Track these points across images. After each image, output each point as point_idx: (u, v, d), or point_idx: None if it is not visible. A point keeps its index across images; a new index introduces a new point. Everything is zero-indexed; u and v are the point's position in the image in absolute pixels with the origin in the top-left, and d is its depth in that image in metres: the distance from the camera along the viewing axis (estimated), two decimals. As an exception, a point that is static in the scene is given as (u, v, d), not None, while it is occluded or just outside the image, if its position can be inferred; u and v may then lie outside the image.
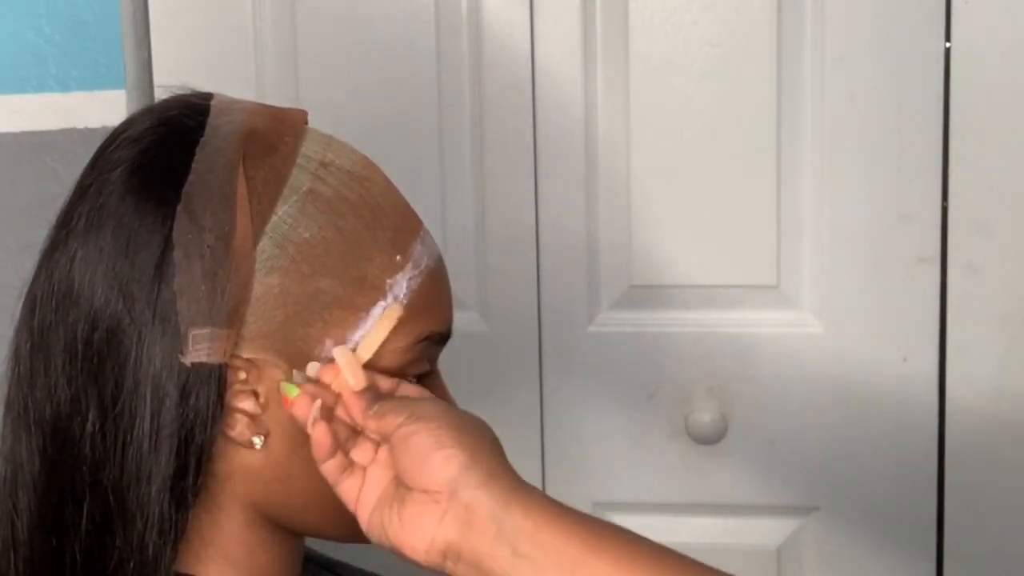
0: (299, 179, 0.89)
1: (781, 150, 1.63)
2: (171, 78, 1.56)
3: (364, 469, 0.89)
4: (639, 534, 0.88)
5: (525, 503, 0.84)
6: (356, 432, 0.89)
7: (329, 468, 0.88)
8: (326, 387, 0.88)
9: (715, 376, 1.68)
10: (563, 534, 0.83)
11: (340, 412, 0.89)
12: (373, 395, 0.88)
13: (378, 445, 0.88)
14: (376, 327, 0.88)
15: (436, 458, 0.84)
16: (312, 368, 0.88)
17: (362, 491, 0.88)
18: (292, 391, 0.87)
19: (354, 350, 0.89)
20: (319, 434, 0.86)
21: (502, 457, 0.87)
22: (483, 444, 0.86)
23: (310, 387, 0.87)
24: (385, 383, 0.90)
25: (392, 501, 0.86)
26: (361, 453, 0.89)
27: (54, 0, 1.68)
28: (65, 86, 1.68)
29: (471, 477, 0.84)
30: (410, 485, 0.85)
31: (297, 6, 1.69)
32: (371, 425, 0.87)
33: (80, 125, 1.63)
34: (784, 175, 1.64)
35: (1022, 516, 1.63)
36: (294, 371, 0.88)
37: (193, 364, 0.84)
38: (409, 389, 0.91)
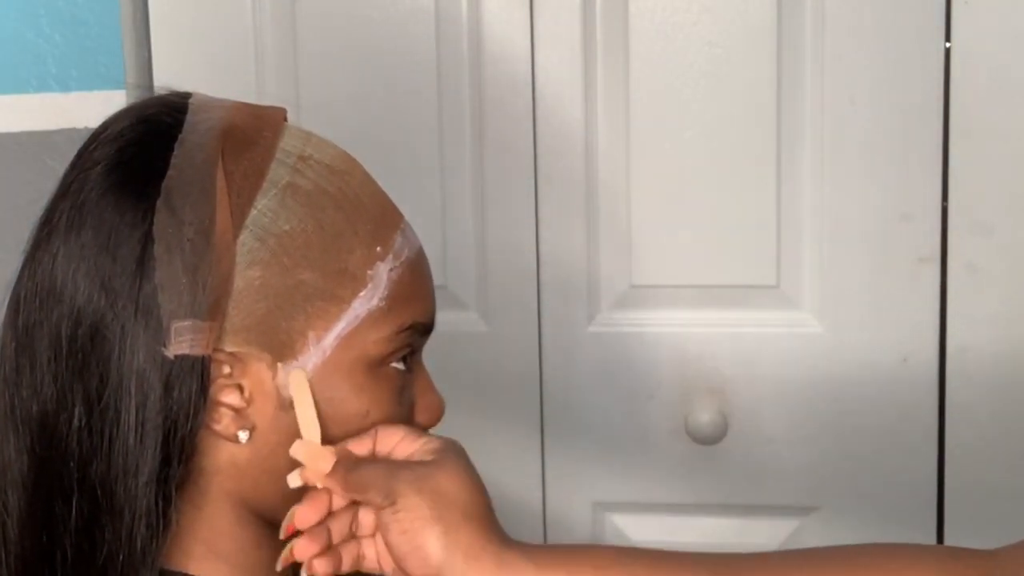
0: (278, 173, 0.89)
1: (781, 150, 1.63)
2: (171, 78, 1.56)
3: (374, 535, 0.91)
4: (627, 552, 0.89)
5: None
6: (354, 507, 0.91)
7: (347, 566, 0.90)
8: (311, 497, 0.89)
9: (715, 376, 1.68)
10: None
11: (335, 500, 0.90)
12: (347, 465, 0.89)
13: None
14: (299, 403, 0.88)
15: (414, 559, 0.87)
16: (293, 480, 0.89)
17: (380, 557, 0.91)
18: (286, 553, 0.89)
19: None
20: (321, 570, 0.88)
21: (482, 521, 0.88)
22: (458, 516, 0.87)
23: (297, 518, 0.89)
24: (360, 446, 0.91)
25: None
26: (364, 524, 0.91)
27: (54, 0, 1.68)
28: (65, 86, 1.69)
29: (451, 570, 0.86)
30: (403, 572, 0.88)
31: (297, 6, 1.70)
32: (357, 499, 0.89)
33: (80, 125, 1.63)
34: (784, 175, 1.64)
35: (1022, 515, 1.63)
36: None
37: (176, 357, 0.85)
38: (388, 437, 0.92)
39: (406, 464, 0.90)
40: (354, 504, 0.91)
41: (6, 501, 0.90)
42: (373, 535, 0.91)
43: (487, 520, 0.89)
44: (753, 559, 0.91)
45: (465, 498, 0.88)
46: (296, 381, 0.88)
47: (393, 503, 0.87)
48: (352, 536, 0.91)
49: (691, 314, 1.69)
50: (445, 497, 0.87)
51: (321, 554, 0.88)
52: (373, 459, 0.91)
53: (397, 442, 0.91)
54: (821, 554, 0.93)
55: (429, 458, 0.90)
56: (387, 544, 0.88)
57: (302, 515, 0.89)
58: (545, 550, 0.89)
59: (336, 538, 0.90)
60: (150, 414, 0.85)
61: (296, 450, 0.89)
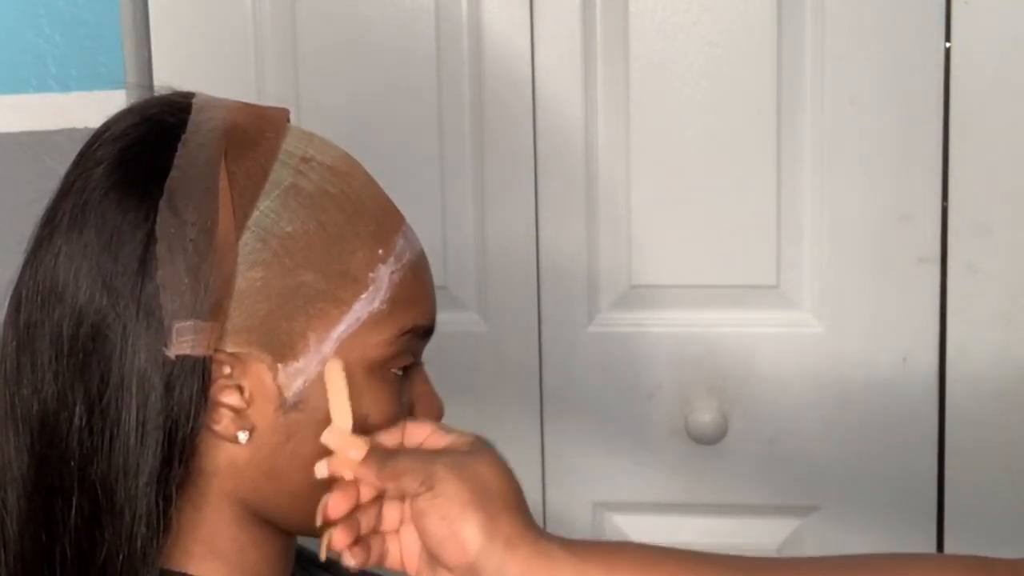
0: (281, 174, 0.89)
1: (781, 150, 1.63)
2: (171, 78, 1.56)
3: (397, 532, 0.91)
4: (667, 551, 0.89)
5: (548, 571, 0.85)
6: (379, 498, 0.90)
7: (373, 559, 0.90)
8: (343, 487, 0.89)
9: (715, 376, 1.68)
10: None
11: (362, 492, 0.90)
12: (380, 454, 0.89)
13: (403, 502, 0.90)
14: (333, 391, 0.88)
15: (451, 545, 0.86)
16: (320, 469, 0.89)
17: (403, 554, 0.91)
18: (325, 543, 0.88)
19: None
20: (354, 561, 0.88)
21: (520, 510, 0.88)
22: (499, 504, 0.87)
23: (330, 508, 0.88)
24: (390, 438, 0.91)
25: (428, 569, 0.89)
26: (389, 520, 0.91)
27: (54, 0, 1.68)
28: (65, 86, 1.69)
29: (489, 558, 0.85)
30: (436, 560, 0.88)
31: (297, 6, 1.70)
32: (391, 487, 0.89)
33: (80, 125, 1.63)
34: (784, 175, 1.64)
35: (1022, 516, 1.63)
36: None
37: (177, 357, 0.85)
38: (417, 431, 0.92)
39: (443, 452, 0.89)
40: (378, 499, 0.90)
41: (6, 500, 0.90)
42: (397, 531, 0.91)
43: (525, 511, 0.89)
44: (788, 564, 0.91)
45: (505, 487, 0.88)
46: (333, 369, 0.88)
47: (431, 488, 0.86)
48: (376, 531, 0.91)
49: (691, 314, 1.69)
50: (485, 485, 0.87)
51: (354, 544, 0.88)
52: (406, 449, 0.91)
53: (426, 436, 0.91)
54: (852, 562, 0.92)
55: (464, 449, 0.90)
56: (423, 530, 0.87)
57: (335, 504, 0.88)
58: (584, 544, 0.89)
59: (363, 530, 0.89)
60: (151, 414, 0.85)
61: (328, 437, 0.88)
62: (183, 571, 0.91)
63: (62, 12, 1.68)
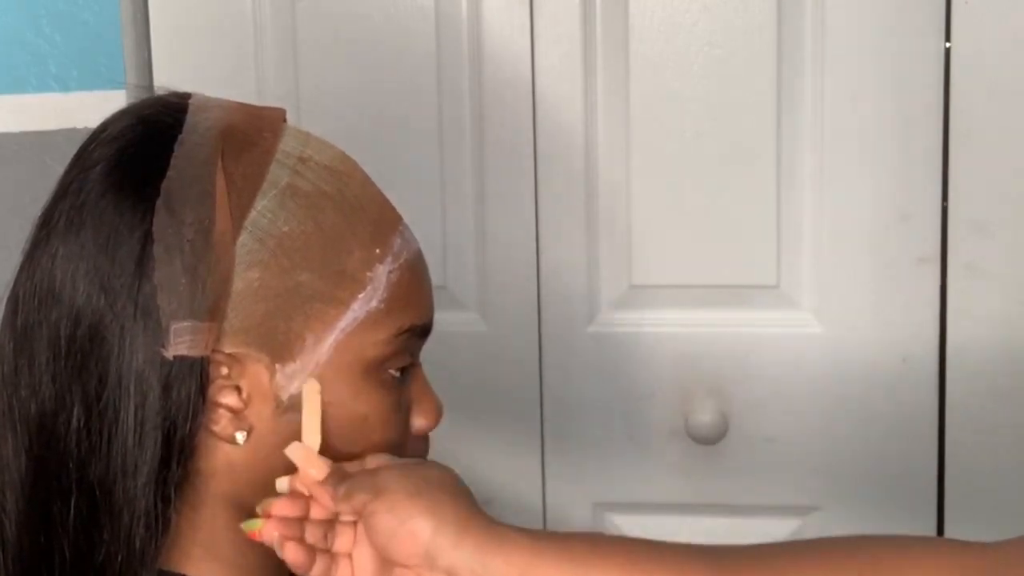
0: (278, 174, 0.89)
1: (781, 150, 1.63)
2: (171, 78, 1.56)
3: (350, 555, 0.90)
4: (623, 536, 0.90)
5: (504, 550, 0.86)
6: (333, 521, 0.90)
7: (316, 573, 0.89)
8: (295, 495, 0.89)
9: (715, 376, 1.68)
10: (548, 569, 0.85)
11: (314, 510, 0.90)
12: (338, 477, 0.89)
13: (356, 525, 0.90)
14: (308, 410, 0.88)
15: (402, 535, 0.86)
16: (281, 485, 0.89)
17: (355, 572, 0.90)
18: (254, 525, 0.88)
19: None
20: (290, 555, 0.88)
21: (469, 503, 0.89)
22: (447, 498, 0.88)
23: (275, 507, 0.88)
24: (351, 465, 0.91)
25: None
26: (341, 541, 0.90)
27: (54, 0, 1.68)
28: (65, 86, 1.69)
29: (442, 541, 0.86)
30: (390, 561, 0.88)
31: (297, 6, 1.70)
32: (344, 508, 0.89)
33: (80, 125, 1.63)
34: (784, 175, 1.64)
35: (1022, 516, 1.63)
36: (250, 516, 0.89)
37: (175, 357, 0.85)
38: (375, 460, 0.92)
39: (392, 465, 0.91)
40: (331, 520, 0.90)
41: (4, 501, 0.90)
42: (350, 555, 0.90)
43: (473, 501, 0.89)
44: (750, 550, 0.91)
45: (451, 482, 0.89)
46: (310, 389, 0.88)
47: (379, 494, 0.87)
48: (327, 550, 0.90)
49: (691, 314, 1.68)
50: (431, 479, 0.88)
51: (291, 540, 0.88)
52: (362, 471, 0.91)
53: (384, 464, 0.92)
54: (822, 546, 0.92)
55: (411, 462, 0.92)
56: (373, 530, 0.87)
57: (280, 506, 0.88)
58: (536, 530, 0.90)
59: (310, 539, 0.89)
60: (149, 414, 0.85)
61: (292, 451, 0.89)
62: (181, 572, 0.91)
63: (62, 12, 1.68)
